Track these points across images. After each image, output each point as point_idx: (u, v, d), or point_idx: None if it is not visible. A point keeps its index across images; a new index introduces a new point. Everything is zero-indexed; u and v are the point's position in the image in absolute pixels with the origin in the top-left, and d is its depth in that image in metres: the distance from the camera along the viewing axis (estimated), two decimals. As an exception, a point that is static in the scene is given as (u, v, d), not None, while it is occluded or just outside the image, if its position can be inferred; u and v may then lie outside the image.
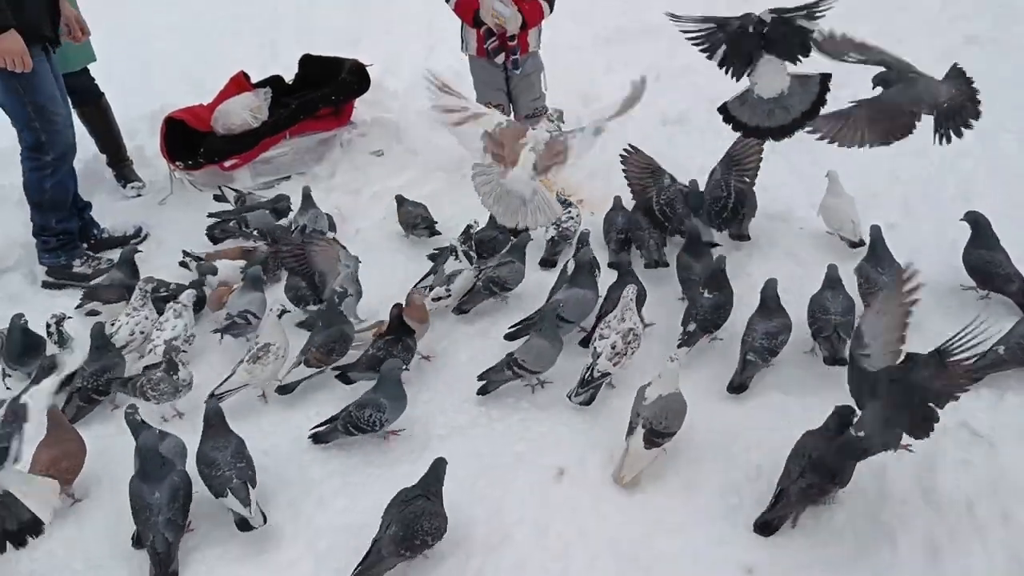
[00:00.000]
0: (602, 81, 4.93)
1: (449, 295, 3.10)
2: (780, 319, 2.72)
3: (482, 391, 2.75)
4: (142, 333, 3.03)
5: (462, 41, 3.97)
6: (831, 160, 3.35)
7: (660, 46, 5.34)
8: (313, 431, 2.63)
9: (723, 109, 2.84)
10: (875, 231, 2.98)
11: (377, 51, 5.84)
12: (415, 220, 3.65)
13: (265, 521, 2.33)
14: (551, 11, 3.85)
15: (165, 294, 3.23)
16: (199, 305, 3.20)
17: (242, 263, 3.41)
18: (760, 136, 2.92)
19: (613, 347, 2.65)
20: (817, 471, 2.18)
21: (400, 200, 3.74)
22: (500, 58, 3.86)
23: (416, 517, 2.16)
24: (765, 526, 2.24)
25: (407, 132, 4.59)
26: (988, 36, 4.84)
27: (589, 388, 2.67)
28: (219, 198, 4.01)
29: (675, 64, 4.97)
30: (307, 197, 3.69)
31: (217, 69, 5.15)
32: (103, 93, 4.29)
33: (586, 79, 4.94)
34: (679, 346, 2.76)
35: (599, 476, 2.45)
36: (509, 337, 2.93)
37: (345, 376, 2.84)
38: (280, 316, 2.87)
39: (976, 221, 2.94)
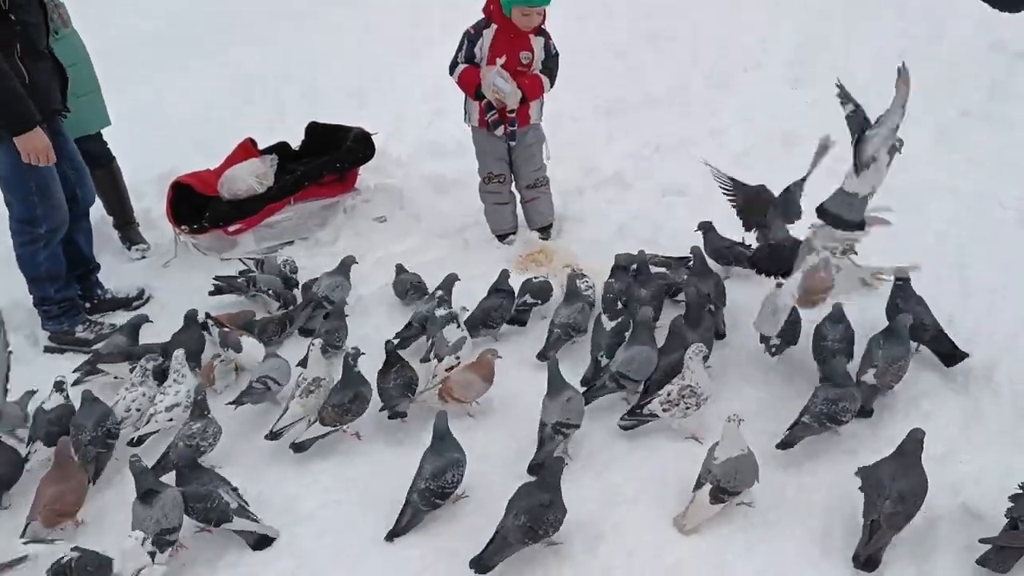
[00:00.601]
0: (603, 151, 5.02)
1: (459, 362, 3.10)
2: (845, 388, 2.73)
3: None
4: (138, 410, 3.02)
5: (465, 112, 4.05)
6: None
7: (660, 117, 5.46)
8: (391, 533, 2.56)
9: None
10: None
11: (383, 116, 5.97)
12: (407, 287, 3.69)
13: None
14: (552, 86, 3.93)
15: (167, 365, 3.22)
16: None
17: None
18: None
19: (668, 395, 2.76)
20: (905, 499, 2.27)
21: (399, 269, 3.79)
22: (500, 130, 3.94)
23: (543, 508, 2.34)
24: (869, 562, 2.30)
25: (410, 198, 4.66)
26: (982, 111, 4.93)
27: (635, 419, 2.80)
28: (243, 272, 4.01)
29: (674, 136, 5.07)
30: (345, 267, 3.76)
31: (226, 133, 5.25)
32: (115, 157, 4.38)
33: (587, 149, 5.02)
34: None
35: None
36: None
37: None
38: (324, 351, 3.01)
39: (899, 279, 3.14)
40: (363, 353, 3.01)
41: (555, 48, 3.91)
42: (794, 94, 5.69)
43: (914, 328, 2.93)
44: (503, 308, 3.42)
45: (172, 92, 7.24)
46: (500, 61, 3.77)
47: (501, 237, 4.17)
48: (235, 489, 2.55)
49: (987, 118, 4.82)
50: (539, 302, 3.52)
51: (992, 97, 5.12)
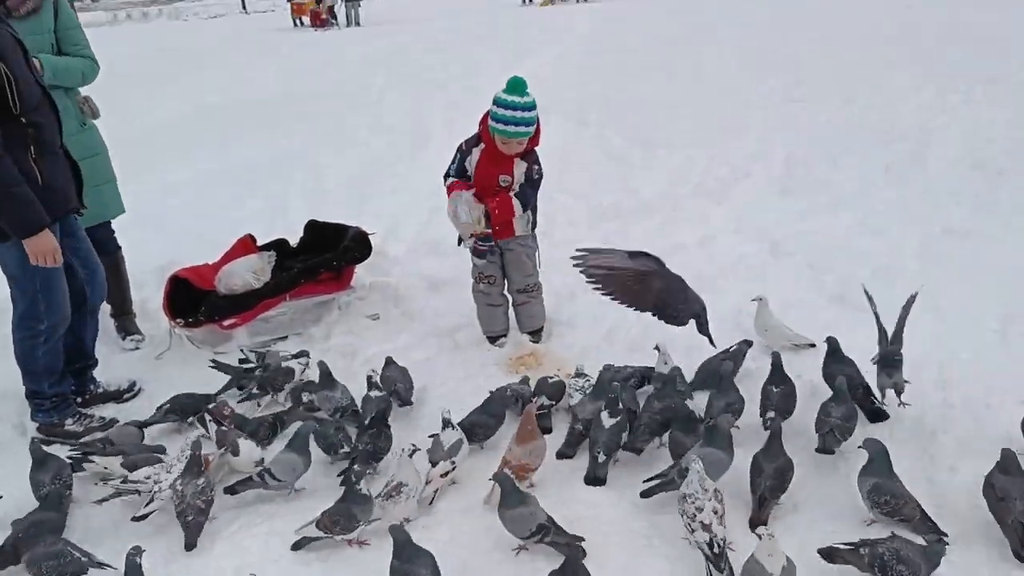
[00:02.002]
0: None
1: (454, 467, 3.08)
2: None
3: (646, 494, 2.87)
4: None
5: None
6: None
7: (651, 223, 5.60)
8: None
9: None
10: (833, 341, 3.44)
11: (383, 214, 6.13)
12: (392, 385, 3.68)
13: None
14: (524, 210, 3.97)
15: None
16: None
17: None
18: None
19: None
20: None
21: (388, 362, 3.82)
22: (471, 245, 4.07)
23: None
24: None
25: (405, 296, 4.73)
26: (964, 228, 5.05)
27: (655, 484, 2.86)
28: (243, 360, 4.04)
29: (665, 242, 5.18)
30: (326, 375, 3.68)
31: (228, 226, 5.39)
32: (120, 247, 4.46)
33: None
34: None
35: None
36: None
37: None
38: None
39: (831, 345, 3.42)
40: (370, 472, 3.01)
41: (539, 172, 3.98)
42: (783, 204, 5.85)
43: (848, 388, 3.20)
44: (488, 428, 3.38)
45: (177, 184, 7.45)
46: (469, 192, 3.87)
47: (492, 339, 4.22)
48: None
49: (969, 235, 4.94)
50: (555, 403, 3.53)
51: (974, 214, 5.25)
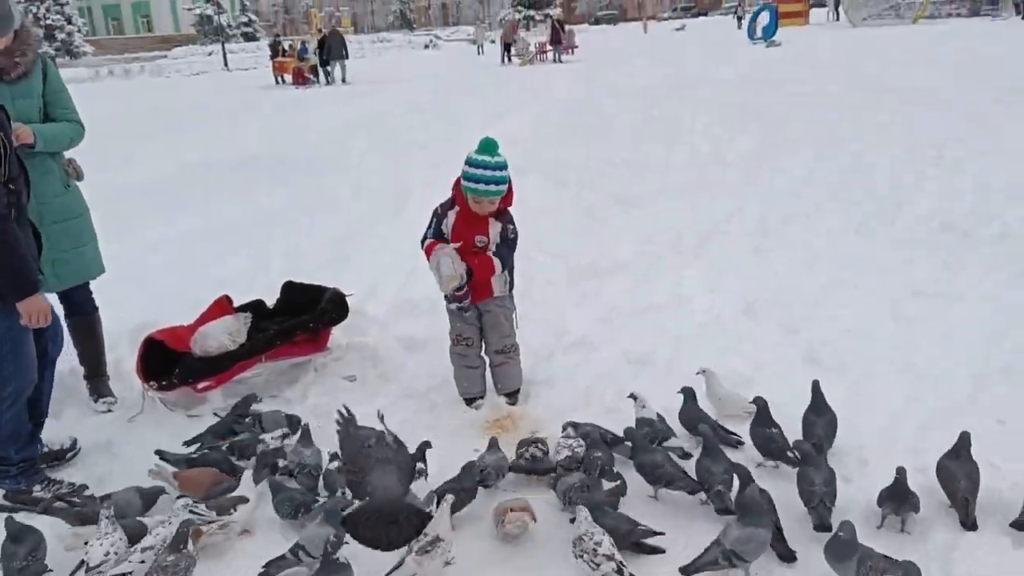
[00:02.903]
0: (574, 315, 5.16)
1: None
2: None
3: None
4: (116, 554, 2.92)
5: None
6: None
7: (627, 282, 5.65)
8: None
9: None
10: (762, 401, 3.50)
11: (362, 274, 6.15)
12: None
13: None
14: (503, 269, 4.02)
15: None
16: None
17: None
18: None
19: None
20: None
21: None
22: (453, 304, 4.10)
23: None
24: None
25: (382, 358, 4.72)
26: (934, 289, 5.13)
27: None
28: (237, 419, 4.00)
29: (641, 302, 5.23)
30: (306, 434, 3.68)
31: (206, 287, 5.38)
32: (97, 308, 4.43)
33: (558, 312, 5.16)
34: None
35: None
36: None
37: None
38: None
39: (759, 406, 3.50)
40: (347, 542, 2.96)
41: (514, 232, 4.03)
42: (758, 262, 5.93)
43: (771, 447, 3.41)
44: (459, 501, 3.32)
45: (158, 242, 7.45)
46: (453, 246, 3.92)
47: (469, 401, 4.21)
48: None
49: (939, 295, 5.02)
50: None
51: (943, 275, 5.35)
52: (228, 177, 10.89)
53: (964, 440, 3.11)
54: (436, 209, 4.04)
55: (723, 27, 49.06)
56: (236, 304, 4.72)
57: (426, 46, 54.17)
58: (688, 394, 3.73)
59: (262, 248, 7.14)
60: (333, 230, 7.72)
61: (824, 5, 49.70)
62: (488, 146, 3.82)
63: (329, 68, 26.44)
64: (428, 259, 4.00)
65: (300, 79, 26.49)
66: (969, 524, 2.96)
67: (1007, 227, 6.13)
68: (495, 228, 3.97)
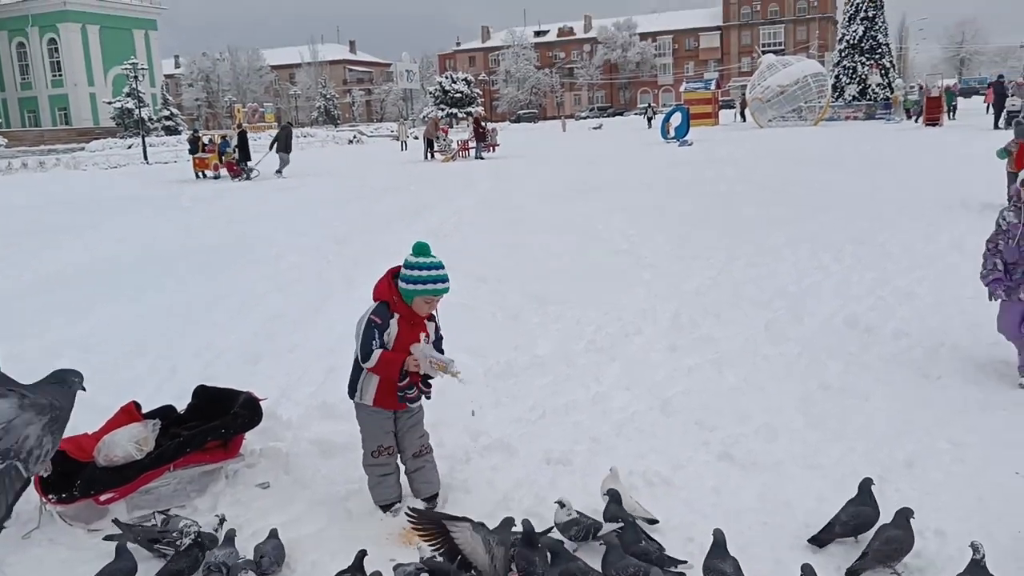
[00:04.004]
0: (491, 415, 5.15)
1: None
2: None
3: None
4: None
5: (357, 390, 4.07)
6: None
7: (546, 382, 5.69)
8: None
9: None
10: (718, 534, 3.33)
11: (277, 376, 6.04)
12: (258, 556, 3.54)
13: None
14: None
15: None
16: None
17: None
18: None
19: None
20: None
21: (271, 534, 3.69)
22: (414, 400, 4.07)
23: None
24: None
25: (296, 463, 4.60)
26: (840, 383, 5.33)
27: None
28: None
29: (559, 401, 5.27)
30: (229, 539, 3.62)
31: (113, 390, 5.21)
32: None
33: (476, 412, 5.14)
34: None
35: None
36: None
37: None
38: None
39: (715, 539, 3.31)
40: None
41: (440, 330, 4.13)
42: (672, 360, 6.06)
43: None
44: None
45: (62, 343, 7.16)
46: (424, 336, 3.97)
47: (385, 508, 4.13)
48: None
49: (844, 391, 5.20)
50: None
51: (848, 370, 5.56)
52: (142, 271, 10.65)
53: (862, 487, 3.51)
54: (373, 320, 3.89)
55: (638, 126, 51.12)
56: (145, 410, 4.57)
57: (350, 141, 54.81)
58: (613, 496, 3.73)
59: (174, 347, 6.96)
60: (249, 327, 7.58)
61: (732, 107, 52.52)
62: (424, 248, 3.92)
63: (250, 164, 26.34)
64: (378, 369, 3.90)
65: (233, 170, 26.26)
66: None
67: (904, 324, 6.44)
68: (431, 327, 4.04)
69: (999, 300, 5.28)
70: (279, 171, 25.82)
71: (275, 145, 26.66)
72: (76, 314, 8.27)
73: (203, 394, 4.75)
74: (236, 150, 26.77)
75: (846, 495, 3.94)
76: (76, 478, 4.08)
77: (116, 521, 3.87)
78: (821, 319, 6.77)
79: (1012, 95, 27.59)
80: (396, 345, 3.93)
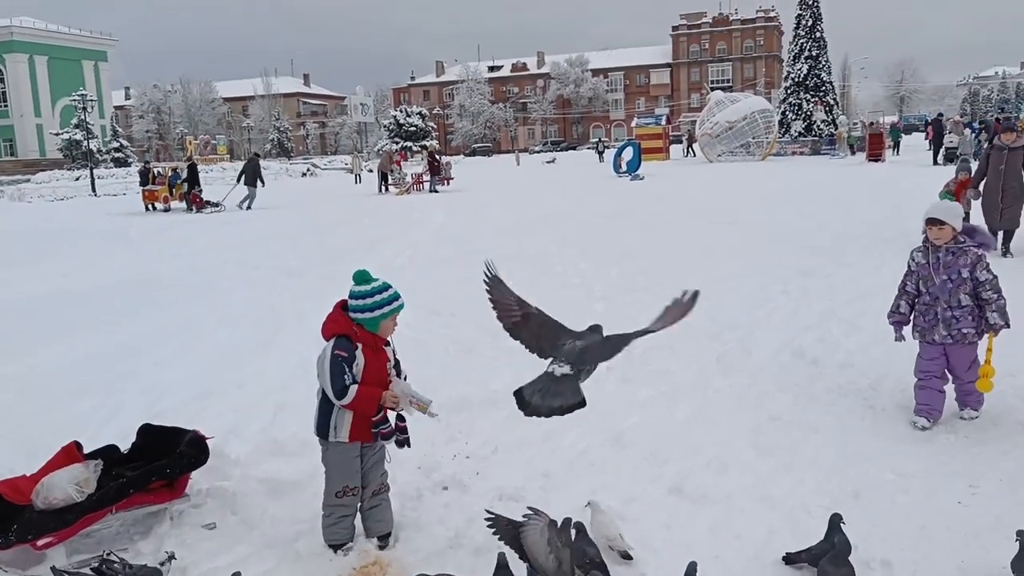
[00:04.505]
0: (443, 452, 5.11)
1: None
2: None
3: None
4: None
5: (330, 427, 3.94)
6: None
7: (500, 417, 5.66)
8: None
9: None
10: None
11: (224, 412, 5.92)
12: None
13: None
14: None
15: None
16: None
17: None
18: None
19: None
20: None
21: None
22: (391, 437, 4.05)
23: None
24: None
25: (244, 503, 4.50)
26: (789, 415, 5.40)
27: None
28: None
29: (512, 436, 5.25)
30: None
31: (53, 431, 5.06)
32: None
33: (428, 449, 5.08)
34: None
35: None
36: None
37: None
38: None
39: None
40: None
41: (397, 353, 4.15)
42: (625, 393, 6.08)
43: None
44: None
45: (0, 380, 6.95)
46: (404, 374, 4.06)
47: (335, 548, 4.06)
48: None
49: (793, 423, 5.27)
50: None
51: (796, 403, 5.64)
52: (86, 306, 10.42)
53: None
54: (339, 355, 3.82)
55: (590, 160, 51.70)
56: (87, 450, 4.44)
57: (304, 174, 54.47)
58: (579, 528, 3.74)
59: (118, 384, 6.78)
60: (197, 362, 7.44)
61: (682, 142, 53.46)
62: (367, 275, 3.95)
63: (216, 199, 25.95)
64: (355, 404, 3.83)
65: (197, 201, 25.78)
66: None
67: (849, 355, 6.57)
68: (390, 350, 4.07)
69: (901, 341, 5.34)
70: (245, 204, 25.41)
71: (243, 177, 26.31)
72: (13, 351, 8.05)
73: (148, 433, 4.64)
74: (185, 183, 26.42)
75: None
76: (12, 522, 3.94)
77: (54, 568, 3.73)
78: (770, 351, 6.87)
79: (949, 132, 28.55)
80: (365, 375, 3.88)
